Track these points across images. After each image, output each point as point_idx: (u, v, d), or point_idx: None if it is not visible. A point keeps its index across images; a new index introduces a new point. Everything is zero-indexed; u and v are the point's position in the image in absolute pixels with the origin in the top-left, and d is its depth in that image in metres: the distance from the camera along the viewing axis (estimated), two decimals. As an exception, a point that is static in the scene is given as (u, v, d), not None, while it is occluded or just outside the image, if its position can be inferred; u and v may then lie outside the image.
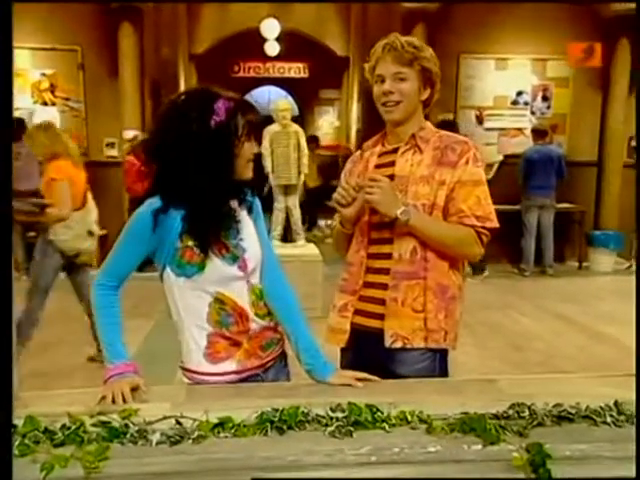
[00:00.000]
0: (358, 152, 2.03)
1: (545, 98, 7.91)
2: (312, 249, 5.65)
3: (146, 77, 8.07)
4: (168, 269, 1.59)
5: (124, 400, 1.35)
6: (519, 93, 7.82)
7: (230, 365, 1.61)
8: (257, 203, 1.72)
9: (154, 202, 1.58)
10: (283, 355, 1.76)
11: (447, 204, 1.78)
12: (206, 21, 11.45)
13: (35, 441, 1.12)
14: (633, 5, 7.60)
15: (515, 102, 7.79)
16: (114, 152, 7.73)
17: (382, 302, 1.81)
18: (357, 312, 1.87)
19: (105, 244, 7.80)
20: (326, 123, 14.07)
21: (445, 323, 1.79)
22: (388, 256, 1.82)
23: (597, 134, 8.10)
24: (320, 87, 13.62)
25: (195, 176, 1.53)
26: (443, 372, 1.81)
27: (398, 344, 1.78)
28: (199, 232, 1.56)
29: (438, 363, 1.79)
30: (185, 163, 1.53)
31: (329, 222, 10.42)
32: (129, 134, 7.38)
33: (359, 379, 1.50)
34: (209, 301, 1.61)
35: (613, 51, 7.87)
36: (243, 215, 1.66)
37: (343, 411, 1.25)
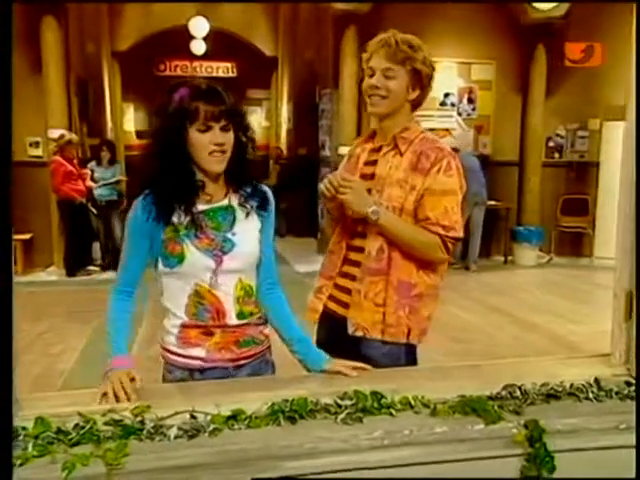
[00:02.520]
0: (353, 146, 2.10)
1: (470, 100, 8.25)
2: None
3: (72, 74, 7.79)
4: (159, 260, 1.63)
5: (125, 393, 1.35)
6: (446, 95, 8.11)
7: (199, 352, 1.64)
8: (269, 202, 1.70)
9: (141, 199, 1.60)
10: (265, 359, 1.75)
11: (416, 209, 1.84)
12: (129, 17, 11.16)
13: (49, 442, 1.10)
14: (550, 14, 8.07)
15: (443, 103, 8.08)
16: (39, 152, 7.40)
17: (349, 292, 1.92)
18: (330, 297, 1.99)
19: (30, 248, 7.50)
20: (254, 123, 14.00)
21: (408, 319, 1.87)
22: (361, 250, 1.91)
23: (518, 135, 8.52)
24: (248, 87, 13.57)
25: (156, 162, 1.59)
26: (410, 363, 1.89)
27: (359, 333, 1.89)
28: (163, 207, 1.58)
29: (403, 351, 1.88)
30: (152, 152, 1.61)
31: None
32: (55, 133, 7.09)
33: (355, 368, 1.55)
34: (189, 293, 1.64)
35: (531, 57, 8.30)
36: (241, 211, 1.65)
37: (351, 399, 1.29)
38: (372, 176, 1.89)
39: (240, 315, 1.66)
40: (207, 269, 1.62)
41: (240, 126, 1.61)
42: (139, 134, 13.74)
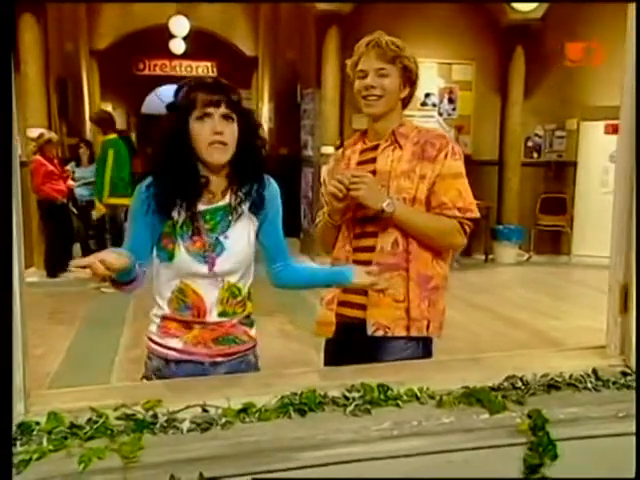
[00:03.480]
0: (340, 150, 2.10)
1: (451, 100, 8.34)
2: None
3: (51, 72, 7.71)
4: (155, 249, 1.67)
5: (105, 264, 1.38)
6: (427, 95, 8.18)
7: (176, 343, 1.68)
8: (266, 199, 1.70)
9: (147, 184, 1.65)
10: (246, 360, 1.76)
11: (429, 197, 1.86)
12: (108, 16, 11.07)
13: (63, 436, 1.11)
14: (528, 15, 8.19)
15: (424, 103, 8.15)
16: (17, 151, 7.29)
17: (364, 293, 1.88)
18: (341, 303, 1.94)
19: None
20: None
21: (428, 312, 1.88)
22: (371, 249, 1.90)
23: (498, 135, 8.63)
24: (228, 86, 13.51)
25: (158, 154, 1.63)
26: (427, 357, 1.91)
27: (379, 333, 1.86)
28: (164, 202, 1.60)
29: (422, 350, 1.88)
30: (161, 147, 1.64)
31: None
32: (34, 132, 7.01)
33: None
34: (173, 288, 1.67)
35: (510, 57, 8.42)
36: (236, 213, 1.66)
37: (358, 391, 1.31)
38: (372, 173, 1.90)
39: (222, 314, 1.68)
40: (196, 273, 1.63)
41: (246, 121, 1.62)
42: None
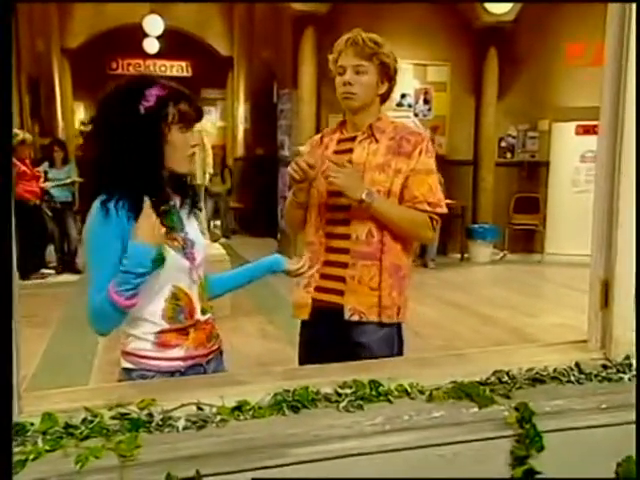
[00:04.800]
0: (318, 136, 2.15)
1: (426, 101, 8.42)
2: (218, 249, 5.63)
3: (22, 72, 7.60)
4: None
5: None
6: (403, 95, 8.25)
7: (179, 352, 1.64)
8: (200, 199, 1.76)
9: (105, 197, 1.54)
10: (220, 351, 1.80)
11: (402, 191, 1.93)
12: (79, 14, 10.96)
13: (58, 436, 1.10)
14: (501, 18, 8.31)
15: (400, 104, 8.21)
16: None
17: (342, 280, 1.97)
18: (317, 289, 2.02)
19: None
20: (209, 123, 13.92)
21: (398, 300, 1.97)
22: (346, 237, 1.96)
23: (472, 135, 8.74)
24: (203, 86, 13.46)
25: (128, 162, 1.52)
26: (400, 341, 2.00)
27: (355, 317, 1.95)
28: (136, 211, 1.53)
29: (396, 334, 1.99)
30: (118, 149, 1.53)
31: (217, 222, 10.35)
32: (7, 132, 6.91)
33: None
34: (166, 297, 1.63)
35: (484, 58, 8.54)
36: (184, 212, 1.69)
37: (350, 387, 1.33)
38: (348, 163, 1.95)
39: (203, 311, 1.70)
40: (183, 269, 1.64)
41: None
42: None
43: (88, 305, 1.55)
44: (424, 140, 1.96)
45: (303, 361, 2.09)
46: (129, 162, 1.53)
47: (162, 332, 1.62)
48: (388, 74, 1.98)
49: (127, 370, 1.65)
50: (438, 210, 1.95)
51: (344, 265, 1.96)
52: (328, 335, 1.87)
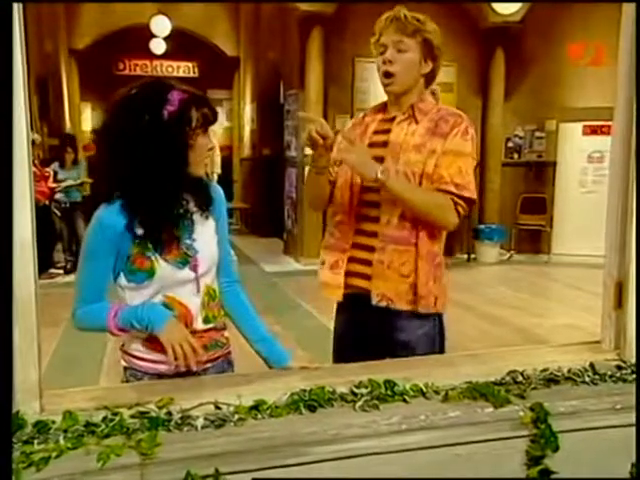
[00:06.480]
0: (361, 115, 2.08)
1: (433, 101, 8.40)
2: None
3: (31, 72, 7.62)
4: (122, 274, 1.59)
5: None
6: (409, 96, 8.24)
7: (166, 356, 1.57)
8: (222, 202, 1.72)
9: (108, 206, 1.55)
10: (227, 360, 1.77)
11: (433, 172, 1.84)
12: (87, 15, 10.98)
13: (79, 435, 1.12)
14: (508, 18, 8.30)
15: (407, 105, 8.19)
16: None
17: (369, 263, 1.88)
18: (346, 273, 1.94)
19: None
20: (216, 124, 13.95)
21: (435, 289, 1.88)
22: (376, 219, 1.89)
23: (479, 135, 8.73)
24: (209, 87, 13.48)
25: (148, 169, 1.50)
26: (441, 336, 1.94)
27: (383, 303, 1.86)
28: (153, 230, 1.54)
29: (438, 327, 1.92)
30: (139, 155, 1.50)
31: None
32: (15, 133, 6.93)
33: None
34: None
35: (490, 59, 8.53)
36: (198, 215, 1.64)
37: (366, 387, 1.34)
38: (384, 144, 1.90)
39: (206, 320, 1.67)
40: (178, 279, 1.60)
41: None
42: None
43: (73, 314, 1.60)
44: (463, 122, 1.86)
45: (337, 349, 2.04)
46: (152, 169, 1.51)
47: (152, 335, 1.58)
48: (432, 53, 1.88)
49: (124, 368, 1.69)
50: (465, 193, 1.82)
51: (371, 249, 1.88)
52: (360, 324, 1.79)
